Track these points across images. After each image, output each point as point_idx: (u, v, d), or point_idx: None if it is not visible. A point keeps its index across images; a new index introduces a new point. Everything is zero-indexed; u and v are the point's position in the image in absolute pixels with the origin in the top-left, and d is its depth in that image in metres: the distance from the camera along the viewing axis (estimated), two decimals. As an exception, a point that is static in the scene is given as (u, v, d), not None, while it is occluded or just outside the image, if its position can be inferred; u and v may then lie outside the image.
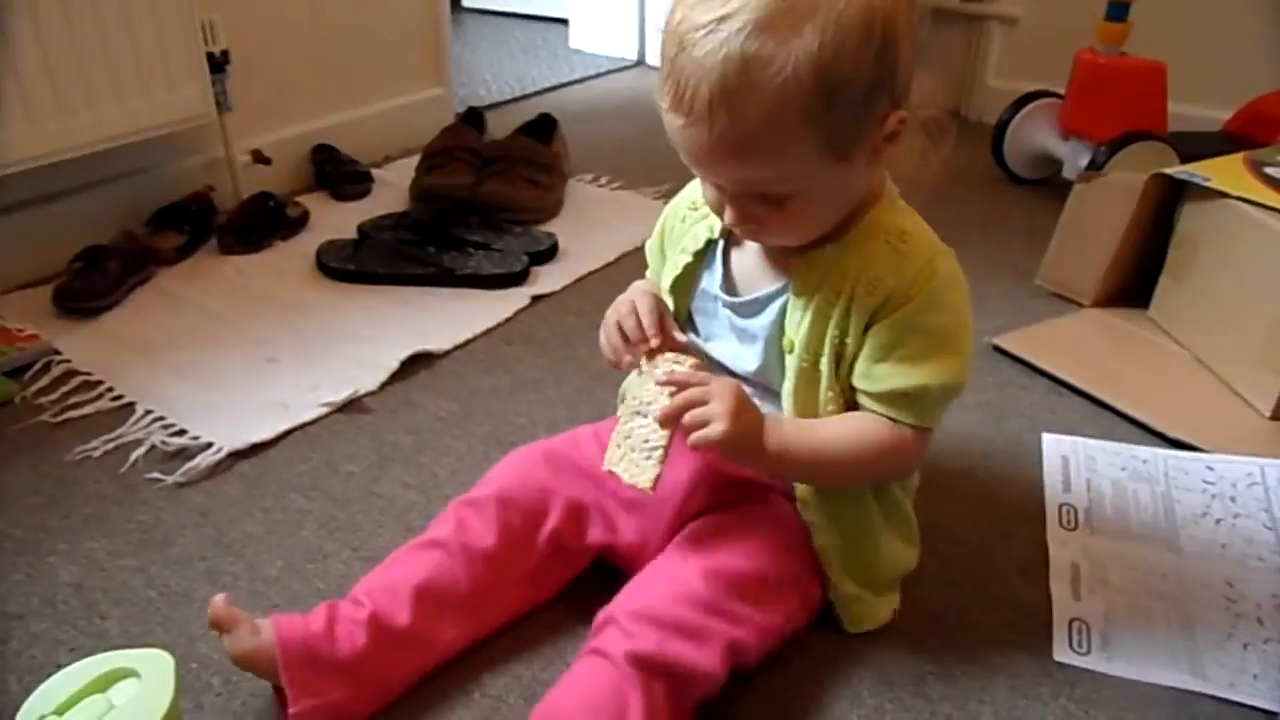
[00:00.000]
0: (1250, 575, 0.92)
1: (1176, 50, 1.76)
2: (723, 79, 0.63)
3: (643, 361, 0.79)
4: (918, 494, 0.89)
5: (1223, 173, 1.29)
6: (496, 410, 1.18)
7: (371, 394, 1.20)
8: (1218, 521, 0.99)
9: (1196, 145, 1.59)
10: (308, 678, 0.72)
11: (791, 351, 0.77)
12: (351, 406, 1.17)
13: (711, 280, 0.83)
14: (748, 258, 0.82)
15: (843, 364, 0.76)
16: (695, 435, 0.71)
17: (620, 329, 0.81)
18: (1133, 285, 1.41)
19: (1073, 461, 1.08)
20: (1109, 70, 1.72)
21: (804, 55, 0.62)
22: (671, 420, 0.73)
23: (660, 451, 0.74)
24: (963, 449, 1.11)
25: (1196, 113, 1.86)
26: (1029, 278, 1.50)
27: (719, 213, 0.75)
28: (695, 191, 0.86)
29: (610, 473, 0.76)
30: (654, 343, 0.78)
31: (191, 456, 1.06)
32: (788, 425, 0.76)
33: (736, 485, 0.84)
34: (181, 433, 1.10)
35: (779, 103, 0.63)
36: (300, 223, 1.65)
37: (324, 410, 1.15)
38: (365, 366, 1.24)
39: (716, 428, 0.71)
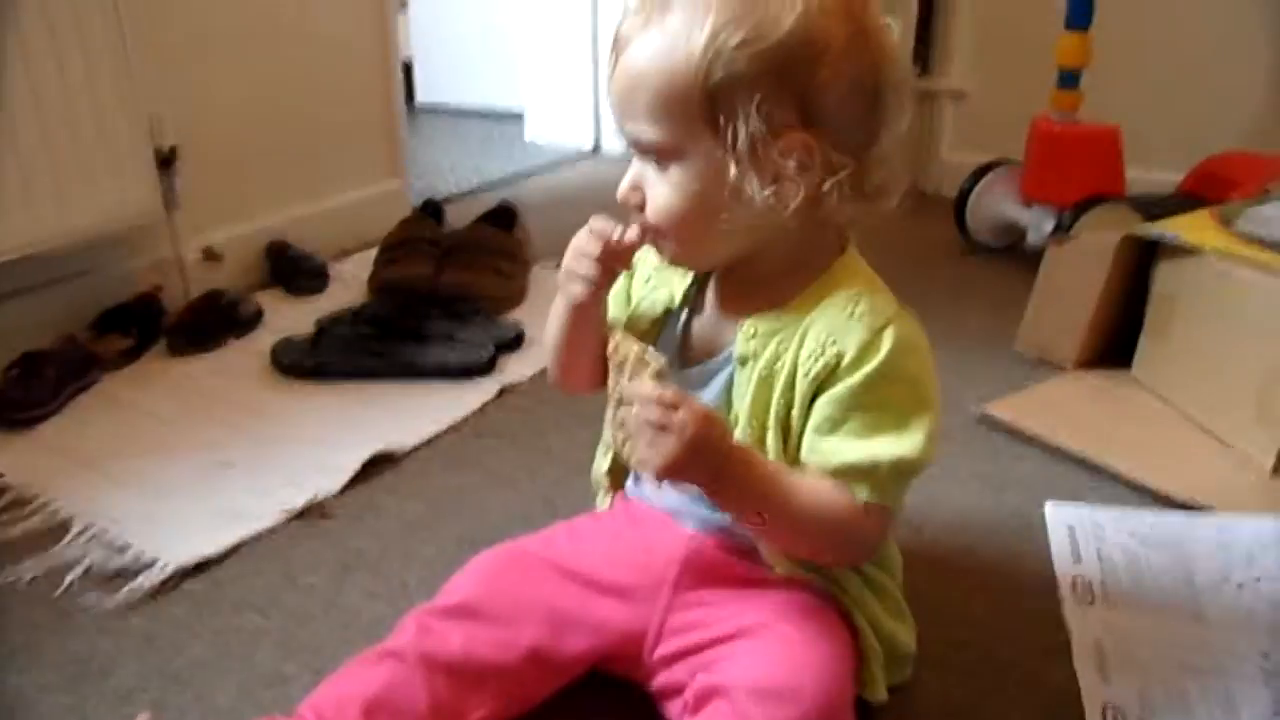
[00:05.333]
0: (1282, 643, 0.86)
1: (1127, 115, 1.79)
2: (641, 3, 0.67)
3: (617, 343, 0.71)
4: (922, 574, 0.84)
5: (1193, 229, 1.28)
6: (467, 509, 1.10)
7: (332, 497, 1.12)
8: (1240, 586, 0.94)
9: (1155, 208, 1.60)
10: None
11: (736, 425, 0.72)
12: (311, 512, 1.09)
13: (667, 350, 0.77)
14: (704, 326, 0.78)
15: (790, 437, 0.71)
16: (634, 460, 0.68)
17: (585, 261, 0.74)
18: (1112, 346, 1.39)
19: (1079, 531, 1.03)
20: (1066, 137, 1.75)
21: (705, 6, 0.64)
22: None
23: None
24: (963, 525, 1.06)
25: (1149, 176, 1.88)
26: (1007, 345, 1.47)
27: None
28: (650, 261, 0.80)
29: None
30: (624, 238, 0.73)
31: (133, 576, 0.96)
32: (755, 475, 0.69)
33: (730, 561, 0.77)
34: (123, 549, 1.00)
35: (669, 46, 0.65)
36: (254, 321, 1.58)
37: (281, 517, 1.07)
38: (325, 469, 1.16)
39: (651, 463, 0.65)
